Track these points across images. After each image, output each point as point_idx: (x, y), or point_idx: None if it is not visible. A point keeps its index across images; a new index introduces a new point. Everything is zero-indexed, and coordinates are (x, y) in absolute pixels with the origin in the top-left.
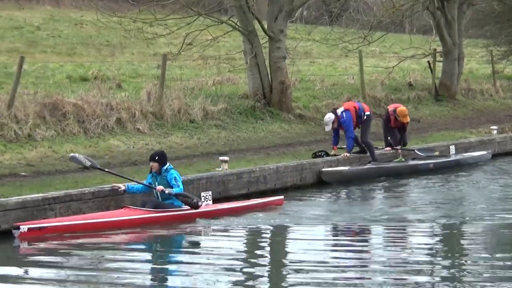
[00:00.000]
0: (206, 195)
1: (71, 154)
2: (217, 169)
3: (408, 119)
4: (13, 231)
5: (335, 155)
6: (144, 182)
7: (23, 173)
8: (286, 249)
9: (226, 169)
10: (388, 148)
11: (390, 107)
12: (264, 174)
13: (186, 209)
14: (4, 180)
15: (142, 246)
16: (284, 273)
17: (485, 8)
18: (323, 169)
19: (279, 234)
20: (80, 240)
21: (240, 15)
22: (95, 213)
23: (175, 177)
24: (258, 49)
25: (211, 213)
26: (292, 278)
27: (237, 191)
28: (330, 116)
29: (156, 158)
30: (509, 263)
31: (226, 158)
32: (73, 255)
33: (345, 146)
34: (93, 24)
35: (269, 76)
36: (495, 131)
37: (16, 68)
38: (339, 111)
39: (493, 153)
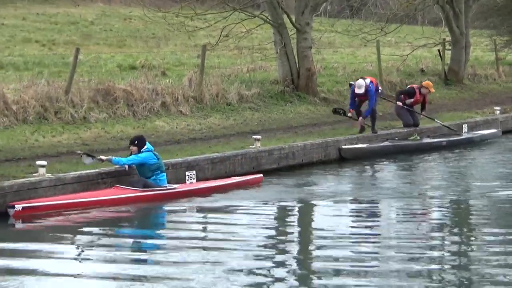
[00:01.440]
0: (190, 174)
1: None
2: (251, 146)
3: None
4: (8, 209)
5: (350, 117)
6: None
7: (79, 152)
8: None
9: (259, 147)
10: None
11: (413, 86)
12: (293, 151)
13: (171, 188)
14: (62, 158)
15: (130, 223)
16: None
17: (489, 2)
18: (343, 147)
19: (303, 208)
20: (71, 217)
21: (271, 9)
22: (86, 192)
23: (139, 156)
24: (287, 40)
25: (196, 191)
26: (307, 252)
27: (269, 166)
28: (365, 82)
29: (136, 142)
30: None
31: (258, 136)
32: (65, 232)
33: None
34: (140, 18)
35: (297, 64)
36: (498, 111)
37: (72, 59)
38: (367, 81)
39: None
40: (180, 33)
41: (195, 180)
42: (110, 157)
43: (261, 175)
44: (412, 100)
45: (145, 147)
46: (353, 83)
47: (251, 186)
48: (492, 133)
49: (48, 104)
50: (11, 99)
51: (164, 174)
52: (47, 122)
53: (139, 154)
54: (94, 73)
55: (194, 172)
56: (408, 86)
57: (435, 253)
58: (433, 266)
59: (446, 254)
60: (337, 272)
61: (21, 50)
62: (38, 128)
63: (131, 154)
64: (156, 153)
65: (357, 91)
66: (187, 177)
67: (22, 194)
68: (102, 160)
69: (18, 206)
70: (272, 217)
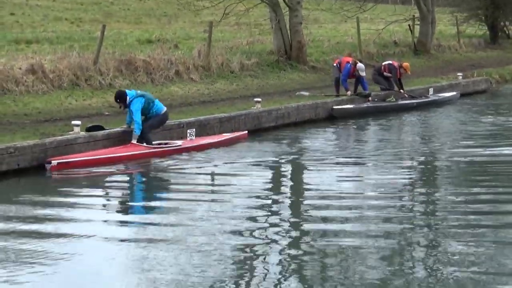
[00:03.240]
0: (191, 132)
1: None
2: (252, 107)
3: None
4: (46, 165)
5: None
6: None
7: (107, 113)
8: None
9: (259, 108)
10: (402, 91)
11: (395, 63)
12: (288, 111)
13: (176, 145)
14: (93, 119)
15: (144, 177)
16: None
17: None
18: (334, 107)
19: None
20: (98, 170)
21: None
22: (110, 148)
23: (132, 110)
24: (281, 17)
25: (195, 148)
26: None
27: (268, 124)
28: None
29: (118, 100)
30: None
31: (259, 99)
32: (91, 183)
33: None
34: None
35: (289, 37)
36: (460, 77)
37: (99, 34)
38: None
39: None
40: (188, 12)
41: (194, 137)
42: (134, 134)
43: (246, 132)
44: (390, 75)
45: (128, 97)
46: (335, 65)
47: (240, 140)
48: (452, 95)
49: (79, 72)
50: (48, 68)
51: (155, 102)
52: (79, 88)
53: (133, 109)
54: (117, 46)
55: (194, 129)
56: (390, 62)
57: (406, 212)
58: (405, 226)
59: (416, 211)
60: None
61: (53, 27)
62: (71, 93)
63: (119, 107)
64: (138, 92)
65: (362, 74)
66: (188, 134)
67: (60, 150)
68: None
69: (54, 162)
70: (266, 172)
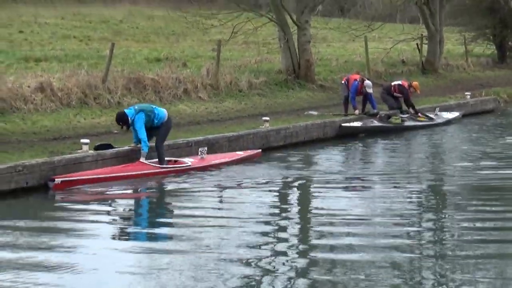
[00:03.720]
0: (202, 150)
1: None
2: (260, 126)
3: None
4: (49, 182)
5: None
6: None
7: (115, 131)
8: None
9: (268, 127)
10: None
11: (405, 83)
12: (296, 130)
13: (186, 165)
14: (101, 137)
15: (150, 199)
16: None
17: (459, 2)
18: (342, 124)
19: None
20: (102, 189)
21: (276, 10)
22: (116, 167)
23: (136, 128)
24: (289, 36)
25: (205, 167)
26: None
27: (276, 143)
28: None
29: (120, 122)
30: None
31: (267, 118)
32: (97, 204)
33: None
34: (162, 18)
35: (298, 56)
36: (468, 96)
37: (108, 52)
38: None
39: (466, 113)
40: (196, 30)
41: (206, 154)
42: (143, 152)
43: (260, 150)
44: (401, 95)
45: (129, 117)
46: (343, 83)
47: (253, 159)
48: (455, 116)
49: (88, 91)
50: (57, 86)
51: (155, 110)
52: (87, 106)
53: (137, 128)
54: (125, 65)
55: (206, 148)
56: (399, 82)
57: (415, 229)
58: (412, 241)
59: (423, 230)
60: (331, 247)
61: (62, 45)
62: (80, 111)
63: (121, 128)
64: (135, 108)
65: (369, 91)
66: (199, 152)
67: (68, 168)
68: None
69: (58, 180)
70: (274, 193)
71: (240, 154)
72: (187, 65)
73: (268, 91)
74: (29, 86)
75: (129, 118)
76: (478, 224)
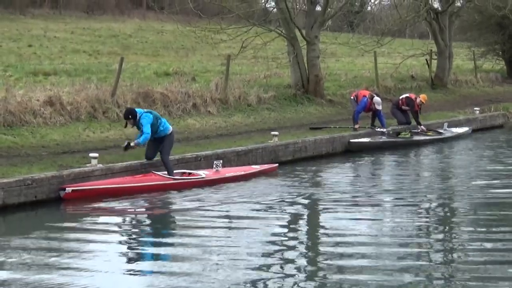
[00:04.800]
0: (217, 163)
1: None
2: (269, 141)
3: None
4: (60, 191)
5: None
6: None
7: (125, 143)
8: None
9: (277, 141)
10: (420, 126)
11: (412, 95)
12: (305, 145)
13: (200, 177)
14: (110, 151)
15: (162, 212)
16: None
17: (468, 18)
18: (351, 140)
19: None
20: (110, 204)
21: (285, 25)
22: (128, 177)
23: (142, 123)
24: (298, 51)
25: (218, 180)
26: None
27: (285, 158)
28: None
29: (129, 116)
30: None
31: (276, 133)
32: (105, 218)
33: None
34: (171, 32)
35: (307, 71)
36: (477, 112)
37: (117, 66)
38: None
39: (475, 128)
40: (205, 45)
41: (221, 167)
42: (136, 141)
43: (277, 164)
44: (408, 108)
45: (138, 114)
46: (353, 98)
47: (268, 173)
48: (465, 131)
49: (97, 105)
50: (66, 100)
51: (162, 119)
52: (97, 120)
53: (143, 122)
54: (134, 79)
55: (221, 161)
56: (407, 95)
57: (424, 251)
58: (421, 263)
59: (432, 251)
60: (338, 268)
61: (71, 59)
62: (89, 125)
63: (126, 125)
64: (144, 110)
65: (378, 107)
66: (214, 165)
67: (78, 182)
68: (133, 147)
69: (68, 189)
70: (282, 212)
71: (256, 168)
72: (196, 80)
73: (277, 105)
74: (38, 100)
75: (137, 115)
76: (487, 245)
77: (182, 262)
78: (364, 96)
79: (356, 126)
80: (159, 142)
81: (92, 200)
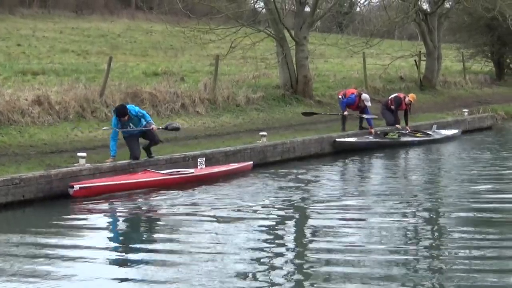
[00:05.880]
0: (201, 161)
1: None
2: (258, 141)
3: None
4: (69, 189)
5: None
6: (113, 129)
7: None
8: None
9: (265, 142)
10: (403, 126)
11: (401, 95)
12: (293, 145)
13: (190, 173)
14: (99, 150)
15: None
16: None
17: (457, 20)
18: (336, 139)
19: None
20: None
21: (274, 25)
22: (133, 174)
23: (142, 113)
24: (287, 51)
25: (207, 176)
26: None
27: (273, 158)
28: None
29: (124, 113)
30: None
31: (265, 133)
32: (95, 216)
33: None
34: (160, 32)
35: (295, 71)
36: (466, 113)
37: (106, 66)
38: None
39: (463, 130)
40: (194, 45)
41: (204, 165)
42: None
43: (251, 162)
44: (394, 106)
45: (128, 109)
46: (340, 97)
47: (245, 171)
48: (454, 133)
49: (85, 104)
50: (54, 100)
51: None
52: (85, 120)
53: (143, 112)
54: (123, 79)
55: (204, 159)
56: (396, 94)
57: (411, 258)
58: (407, 271)
59: (419, 258)
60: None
61: (60, 58)
62: (77, 125)
63: (119, 122)
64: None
65: (367, 104)
66: (198, 163)
67: (66, 181)
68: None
69: (76, 186)
70: (268, 217)
71: (234, 165)
72: (184, 80)
73: (266, 106)
74: (26, 99)
75: (129, 110)
76: (475, 253)
77: (164, 276)
78: (352, 93)
79: (346, 113)
80: (137, 137)
81: (90, 199)
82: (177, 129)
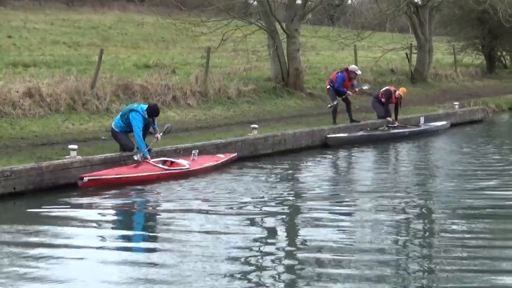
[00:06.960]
0: (195, 152)
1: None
2: (249, 134)
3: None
4: (78, 181)
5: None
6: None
7: (103, 137)
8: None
9: (256, 134)
10: (392, 119)
11: (391, 88)
12: (284, 138)
13: (185, 167)
14: (90, 143)
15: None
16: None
17: (449, 12)
18: (328, 135)
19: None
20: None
21: (265, 18)
22: (139, 167)
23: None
24: (279, 44)
25: (202, 170)
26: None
27: (264, 150)
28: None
29: (158, 114)
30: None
31: (255, 125)
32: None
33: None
34: (152, 24)
35: (287, 64)
36: (456, 106)
37: (97, 58)
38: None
39: (454, 122)
40: (185, 37)
41: (197, 156)
42: (142, 153)
43: (236, 154)
44: (384, 99)
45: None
46: (330, 86)
47: (232, 162)
48: (442, 124)
49: (76, 96)
50: (45, 92)
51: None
52: (76, 112)
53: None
54: (114, 71)
55: (197, 150)
56: (387, 87)
57: (402, 258)
58: (398, 272)
59: (410, 258)
60: (319, 263)
61: (51, 50)
62: (68, 117)
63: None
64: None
65: (358, 73)
66: (192, 154)
67: (57, 173)
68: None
69: (86, 178)
70: (257, 214)
71: (221, 157)
72: (176, 72)
73: (257, 98)
74: (17, 91)
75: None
76: (466, 252)
77: (154, 274)
78: (337, 72)
79: (349, 93)
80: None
81: (82, 191)
82: (170, 131)
